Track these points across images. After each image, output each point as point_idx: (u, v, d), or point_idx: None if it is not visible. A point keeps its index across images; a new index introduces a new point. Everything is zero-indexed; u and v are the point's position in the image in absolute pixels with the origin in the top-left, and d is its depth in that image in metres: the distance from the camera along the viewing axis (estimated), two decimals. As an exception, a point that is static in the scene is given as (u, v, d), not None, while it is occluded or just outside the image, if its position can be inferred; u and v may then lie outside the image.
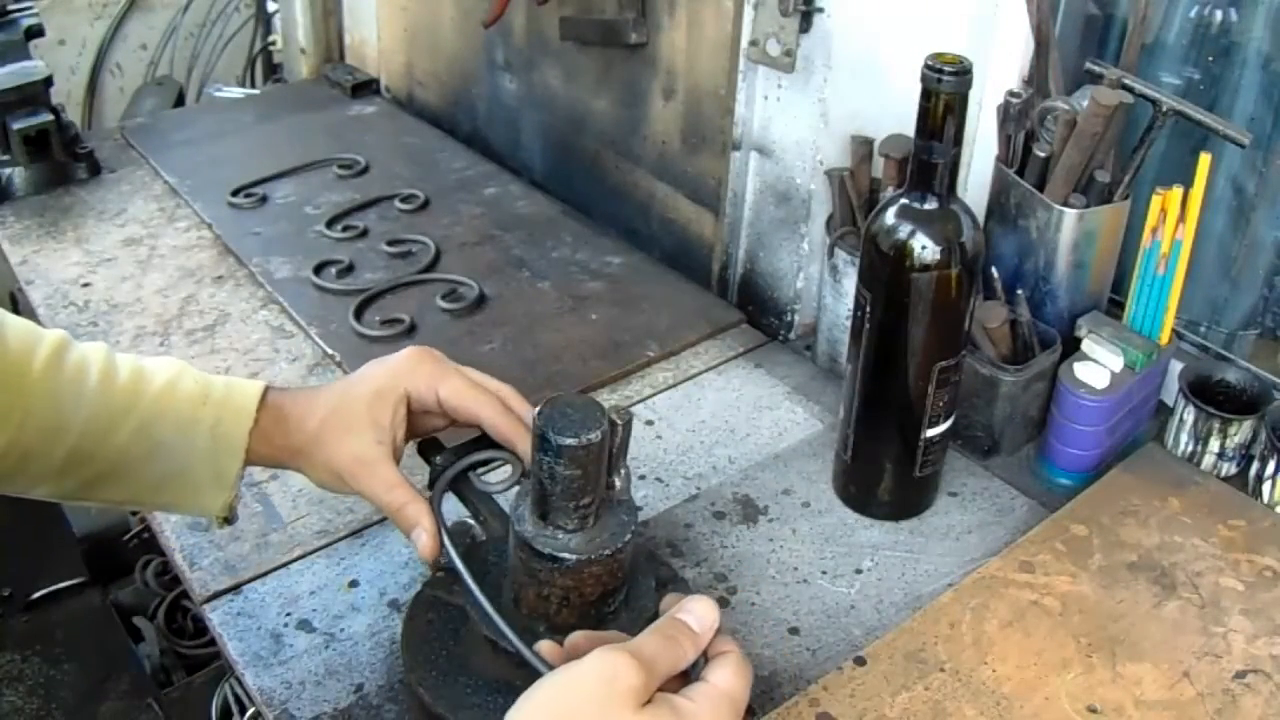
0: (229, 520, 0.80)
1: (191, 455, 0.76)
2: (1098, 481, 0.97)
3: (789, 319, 1.24)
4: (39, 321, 1.13)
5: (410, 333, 1.21)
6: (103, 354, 0.76)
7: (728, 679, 0.59)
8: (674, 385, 1.16)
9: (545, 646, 0.63)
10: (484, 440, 0.80)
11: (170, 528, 0.95)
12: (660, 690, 0.57)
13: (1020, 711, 0.76)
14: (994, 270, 1.02)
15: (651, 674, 0.56)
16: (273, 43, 2.20)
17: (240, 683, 0.85)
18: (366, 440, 0.75)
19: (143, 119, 1.92)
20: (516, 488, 0.75)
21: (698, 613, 0.61)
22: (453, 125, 1.73)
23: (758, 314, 1.27)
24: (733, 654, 0.61)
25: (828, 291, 1.12)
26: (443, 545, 0.73)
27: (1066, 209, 0.99)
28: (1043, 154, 0.99)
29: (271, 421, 0.77)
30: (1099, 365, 0.99)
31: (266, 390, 0.78)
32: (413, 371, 0.78)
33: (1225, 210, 1.09)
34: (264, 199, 1.49)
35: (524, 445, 0.76)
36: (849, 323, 0.97)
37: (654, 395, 1.14)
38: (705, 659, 0.61)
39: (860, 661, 0.80)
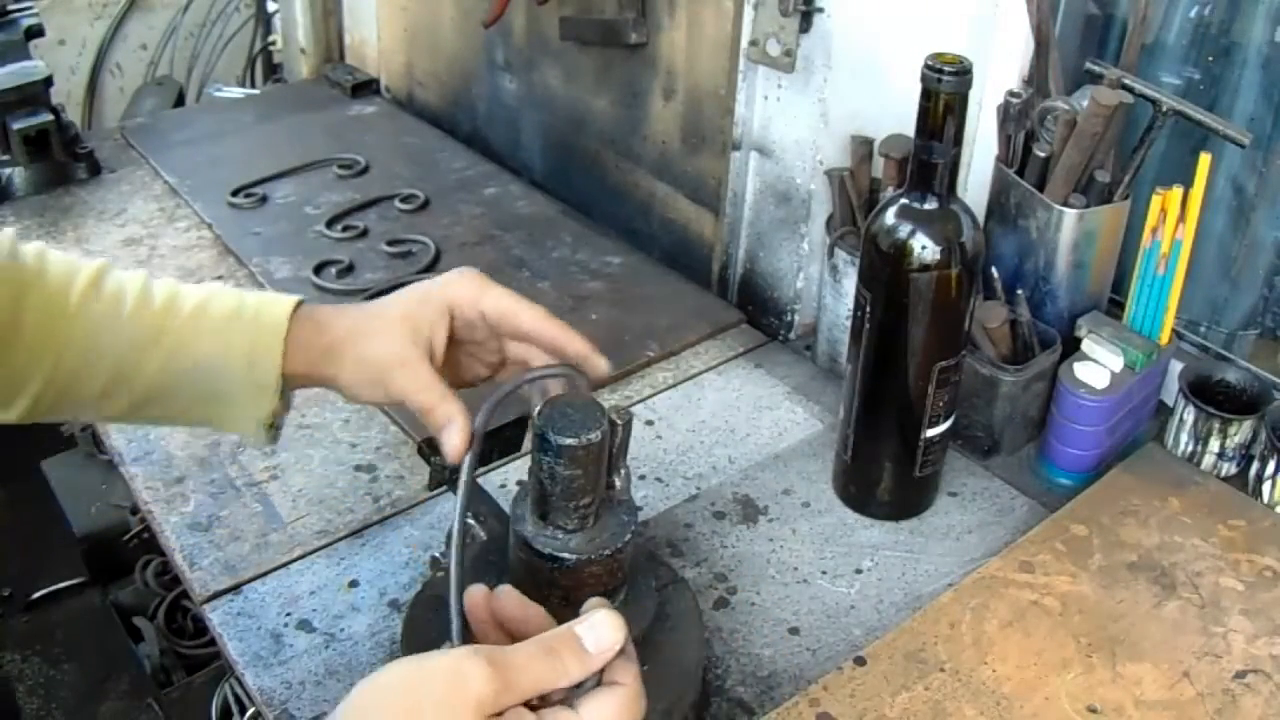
0: (274, 430, 0.78)
1: (227, 371, 0.75)
2: (1098, 481, 0.97)
3: (789, 319, 1.24)
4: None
5: (410, 333, 1.21)
6: (139, 281, 0.76)
7: (603, 715, 0.54)
8: (674, 385, 1.16)
9: (474, 591, 0.61)
10: (485, 440, 0.80)
11: (170, 528, 0.95)
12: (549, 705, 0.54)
13: (1020, 711, 0.76)
14: (994, 270, 1.02)
15: (509, 687, 0.52)
16: (273, 43, 2.20)
17: (240, 683, 0.85)
18: (403, 340, 0.73)
19: (143, 119, 1.92)
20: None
21: (598, 631, 0.56)
22: (453, 125, 1.73)
23: (758, 314, 1.27)
24: (624, 689, 0.56)
25: (828, 291, 1.12)
26: (464, 465, 0.69)
27: (1066, 209, 0.99)
28: (1043, 154, 0.99)
29: (304, 327, 0.76)
30: (1099, 365, 0.99)
31: (301, 302, 0.77)
32: (456, 283, 0.77)
33: (1225, 210, 1.09)
34: (264, 199, 1.49)
35: (575, 347, 0.74)
36: (849, 323, 0.97)
37: (654, 395, 1.14)
38: (600, 682, 0.56)
39: (860, 661, 0.80)
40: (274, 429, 0.78)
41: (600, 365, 0.74)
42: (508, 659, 0.53)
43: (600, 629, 0.56)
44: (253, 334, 0.75)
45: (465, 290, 0.76)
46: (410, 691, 0.52)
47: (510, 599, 0.61)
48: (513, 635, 0.60)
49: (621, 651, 0.57)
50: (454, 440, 0.70)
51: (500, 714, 0.52)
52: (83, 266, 0.75)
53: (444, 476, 0.80)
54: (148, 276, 0.77)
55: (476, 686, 0.51)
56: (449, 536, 0.83)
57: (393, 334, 0.74)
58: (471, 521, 0.80)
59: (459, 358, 0.79)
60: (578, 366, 0.74)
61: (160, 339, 0.74)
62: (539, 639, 0.55)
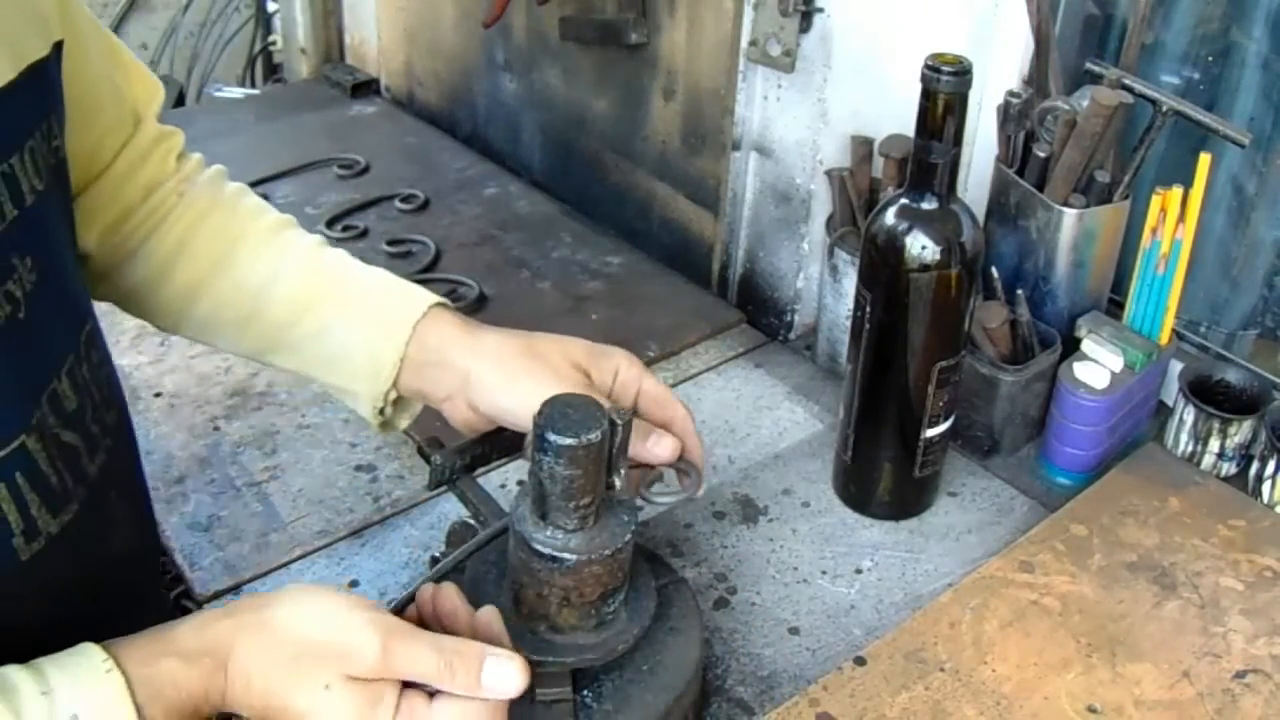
0: (386, 425, 0.81)
1: (350, 338, 0.78)
2: (1098, 481, 0.97)
3: (789, 319, 1.24)
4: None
5: (410, 333, 1.21)
6: (314, 241, 0.84)
7: (452, 716, 0.58)
8: (674, 385, 1.16)
9: (425, 589, 0.65)
10: (484, 440, 0.80)
11: (170, 528, 0.95)
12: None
13: (1020, 711, 0.76)
14: (994, 270, 1.02)
15: (389, 671, 0.57)
16: (273, 43, 2.20)
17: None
18: (569, 387, 0.73)
19: (143, 119, 1.91)
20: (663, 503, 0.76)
21: (503, 674, 0.58)
22: (453, 125, 1.73)
23: (758, 314, 1.27)
24: (482, 706, 0.58)
25: (828, 291, 1.12)
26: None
27: (1066, 209, 0.99)
28: (1043, 154, 1.00)
29: (444, 323, 0.78)
30: (1099, 365, 0.99)
31: (447, 303, 0.80)
32: (624, 356, 0.78)
33: (1225, 210, 1.09)
34: (264, 199, 1.48)
35: (695, 455, 0.77)
36: (849, 323, 0.97)
37: (654, 395, 1.14)
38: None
39: (860, 661, 0.80)
40: (385, 425, 0.81)
41: (702, 482, 0.78)
42: (402, 649, 0.57)
43: (506, 672, 0.58)
44: (386, 305, 0.78)
45: (633, 367, 0.78)
46: (314, 621, 0.57)
47: (446, 595, 0.64)
48: (445, 630, 0.63)
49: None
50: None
51: (369, 680, 0.57)
52: (270, 216, 0.86)
53: (444, 476, 0.80)
54: (322, 241, 0.84)
55: (358, 653, 0.56)
56: (449, 536, 0.83)
57: (533, 353, 0.76)
58: (472, 521, 0.80)
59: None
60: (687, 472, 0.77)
61: (305, 298, 0.79)
62: (445, 644, 0.58)
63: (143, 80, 0.80)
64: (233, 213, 0.83)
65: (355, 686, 0.56)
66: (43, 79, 0.61)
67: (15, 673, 0.52)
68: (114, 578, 0.69)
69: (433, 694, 0.58)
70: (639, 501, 0.74)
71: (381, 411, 0.79)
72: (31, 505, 0.58)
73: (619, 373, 0.77)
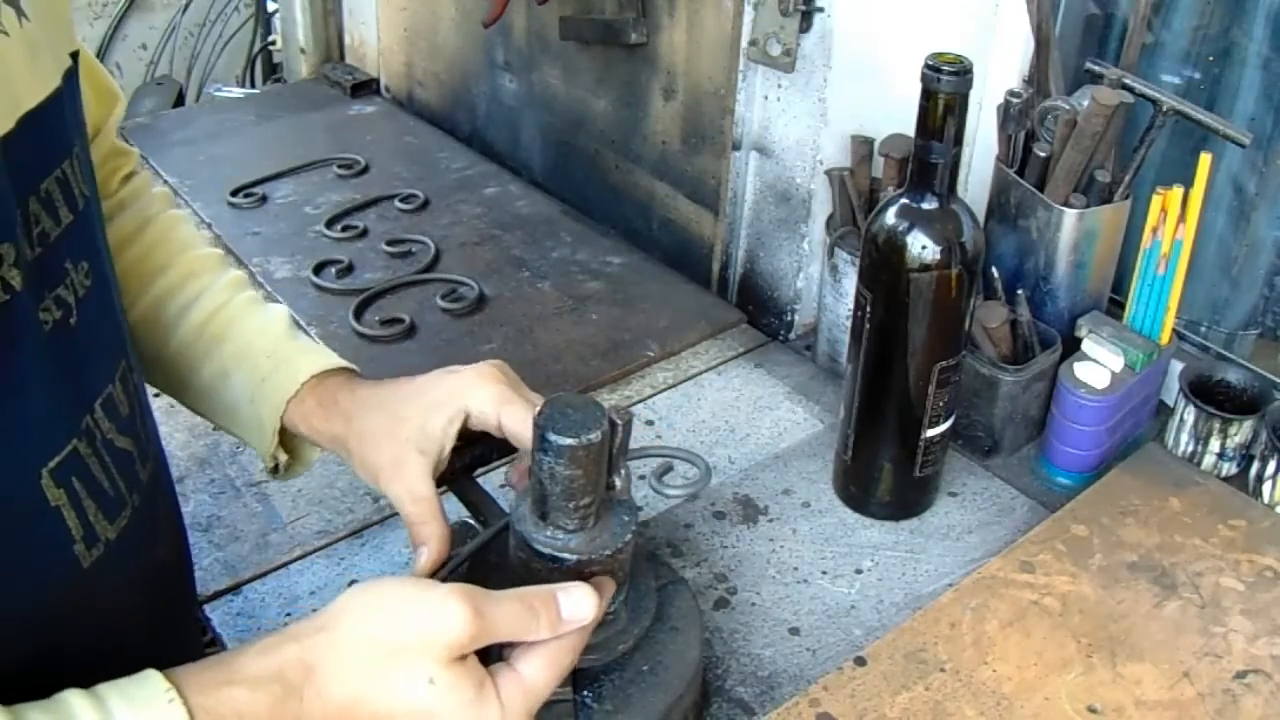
0: (276, 472, 0.80)
1: (242, 397, 0.77)
2: (1098, 481, 0.97)
3: (789, 319, 1.24)
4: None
5: (410, 333, 1.21)
6: (227, 283, 0.81)
7: (535, 671, 0.58)
8: (674, 385, 1.16)
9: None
10: (484, 440, 0.79)
11: (170, 528, 0.95)
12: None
13: (1020, 711, 0.76)
14: (994, 270, 1.02)
15: (484, 636, 0.56)
16: (272, 42, 2.20)
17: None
18: (408, 447, 0.73)
19: (142, 119, 1.91)
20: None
21: (576, 601, 0.59)
22: (453, 125, 1.73)
23: (758, 314, 1.27)
24: (555, 642, 0.59)
25: (828, 291, 1.12)
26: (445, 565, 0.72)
27: (1067, 209, 0.99)
28: (1043, 154, 0.99)
29: (318, 403, 0.77)
30: (1099, 365, 0.99)
31: (326, 373, 0.78)
32: (479, 389, 0.75)
33: (1225, 210, 1.09)
34: (264, 199, 1.48)
35: None
36: (849, 323, 0.97)
37: (654, 395, 1.14)
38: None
39: (860, 661, 0.80)
40: (275, 473, 0.80)
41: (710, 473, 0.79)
42: (490, 608, 0.56)
43: (579, 600, 0.60)
44: (271, 373, 0.77)
45: (488, 401, 0.74)
46: (392, 613, 0.55)
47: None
48: None
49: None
50: (420, 563, 0.71)
51: (464, 657, 0.55)
52: (197, 250, 0.81)
53: (444, 477, 0.80)
54: (239, 281, 0.81)
55: (453, 629, 0.54)
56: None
57: (402, 438, 0.73)
58: (472, 521, 0.79)
59: (471, 437, 0.78)
60: None
61: (220, 344, 0.78)
62: (523, 595, 0.58)
63: (104, 89, 0.78)
64: (158, 242, 0.80)
65: (458, 672, 0.55)
66: (75, 84, 0.61)
67: (76, 699, 0.50)
68: (161, 585, 0.69)
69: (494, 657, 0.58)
70: (660, 493, 0.74)
71: (275, 470, 0.80)
72: (89, 511, 0.57)
73: (469, 419, 0.75)
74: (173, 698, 0.50)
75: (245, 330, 0.79)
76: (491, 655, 0.59)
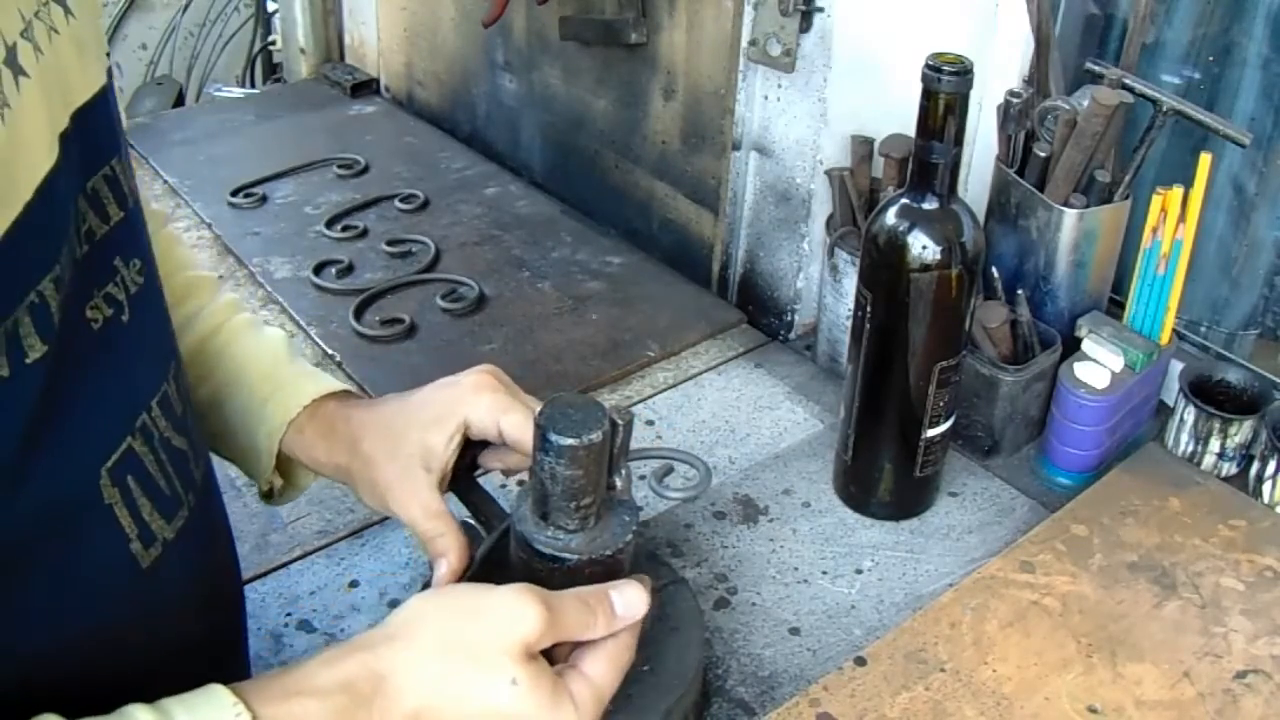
0: (269, 497, 0.80)
1: (238, 422, 0.77)
2: (1098, 481, 0.97)
3: (789, 319, 1.24)
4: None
5: (410, 333, 1.21)
6: (225, 304, 0.80)
7: (599, 670, 0.59)
8: (674, 385, 1.16)
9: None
10: (485, 441, 0.79)
11: (170, 528, 0.95)
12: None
13: (1020, 712, 0.76)
14: (994, 270, 1.02)
15: (554, 633, 0.56)
16: (272, 42, 2.20)
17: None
18: (413, 465, 0.73)
19: (142, 119, 1.91)
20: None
21: (628, 598, 0.61)
22: (453, 125, 1.73)
23: (758, 314, 1.27)
24: (610, 640, 0.60)
25: (828, 291, 1.12)
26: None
27: (1067, 209, 0.99)
28: (1043, 154, 1.00)
29: (318, 433, 0.76)
30: (1099, 365, 0.99)
31: (326, 399, 0.77)
32: (475, 400, 0.74)
33: (1225, 210, 1.09)
34: (264, 199, 1.48)
35: None
36: (849, 323, 0.97)
37: (654, 395, 1.14)
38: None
39: (860, 661, 0.80)
40: (268, 498, 0.80)
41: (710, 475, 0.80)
42: (557, 605, 0.57)
43: (631, 597, 0.61)
44: (271, 398, 0.76)
45: (485, 410, 0.74)
46: (466, 615, 0.56)
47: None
48: None
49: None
50: (441, 574, 0.71)
51: (535, 656, 0.56)
52: (191, 271, 0.80)
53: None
54: (235, 303, 0.81)
55: (530, 625, 0.55)
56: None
57: (406, 458, 0.73)
58: (472, 521, 0.79)
59: (472, 446, 0.78)
60: None
61: (220, 360, 0.77)
62: (581, 594, 0.59)
63: None
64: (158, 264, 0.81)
65: (536, 672, 0.55)
66: (113, 81, 0.61)
67: (141, 713, 0.49)
68: (217, 587, 0.68)
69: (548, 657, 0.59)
70: (661, 495, 0.75)
71: (269, 494, 0.80)
72: (143, 510, 0.56)
73: (469, 430, 0.75)
74: (240, 711, 0.50)
75: (242, 352, 0.78)
76: (549, 659, 0.59)
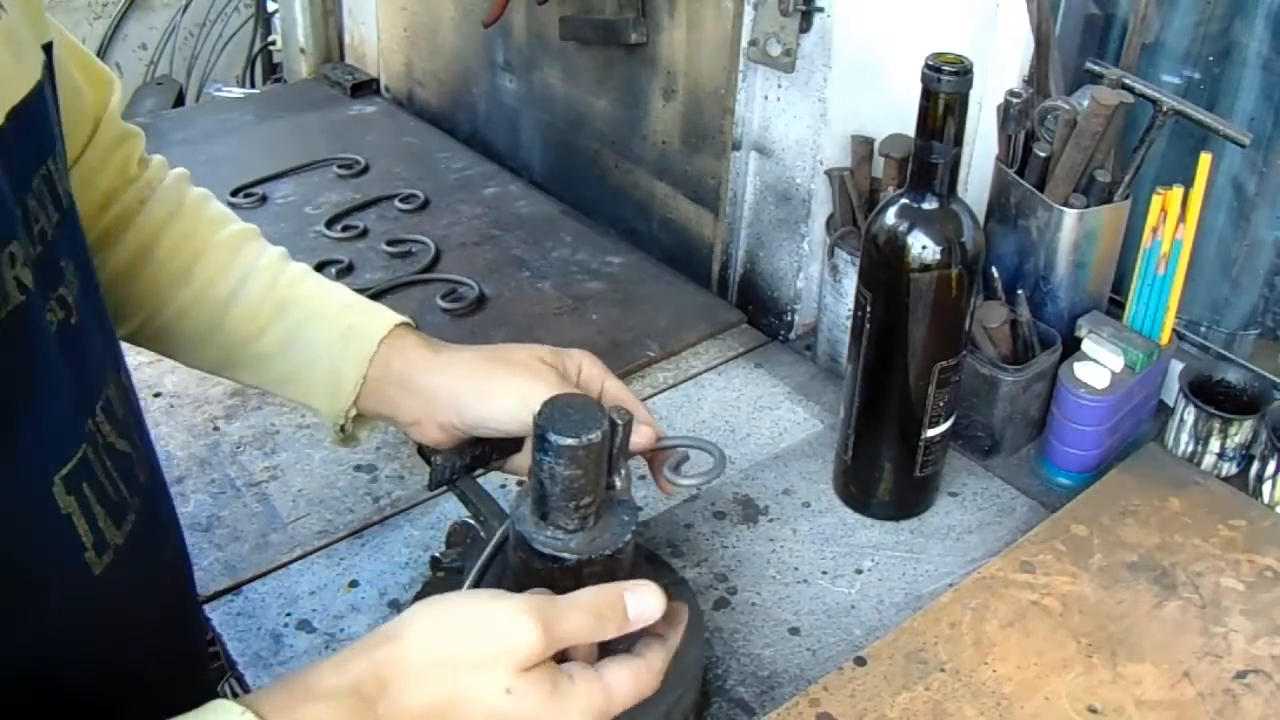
0: (347, 439, 0.81)
1: (319, 353, 0.78)
2: (1098, 481, 0.97)
3: (789, 319, 1.24)
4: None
5: (410, 333, 1.21)
6: (275, 254, 0.81)
7: (619, 680, 0.58)
8: (674, 385, 1.16)
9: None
10: (485, 440, 0.80)
11: (170, 528, 0.95)
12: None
13: (1020, 712, 0.76)
14: (994, 270, 1.02)
15: (552, 646, 0.56)
16: (272, 42, 2.20)
17: (240, 683, 0.85)
18: (533, 362, 0.74)
19: (142, 119, 1.91)
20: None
21: (642, 600, 0.60)
22: (453, 125, 1.73)
23: (758, 314, 1.27)
24: (644, 662, 0.60)
25: (828, 291, 1.12)
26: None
27: (1067, 209, 0.99)
28: (1043, 154, 0.99)
29: (417, 343, 0.77)
30: (1099, 365, 0.99)
31: (411, 324, 0.79)
32: (586, 357, 0.78)
33: (1226, 210, 1.09)
34: (264, 199, 1.48)
35: (659, 458, 0.78)
36: (849, 323, 0.97)
37: (654, 395, 1.14)
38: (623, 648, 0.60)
39: (860, 661, 0.80)
40: (344, 438, 0.80)
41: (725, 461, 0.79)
42: (557, 620, 0.56)
43: (645, 599, 0.60)
44: (356, 322, 0.78)
45: (595, 366, 0.78)
46: (461, 630, 0.56)
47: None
48: None
49: (657, 634, 0.61)
50: (646, 437, 0.74)
51: (538, 667, 0.56)
52: (234, 226, 0.81)
53: (444, 477, 0.80)
54: (285, 254, 0.82)
55: (521, 643, 0.55)
56: (449, 536, 0.83)
57: (529, 376, 0.74)
58: (473, 522, 0.79)
59: None
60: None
61: (264, 310, 0.78)
62: (588, 599, 0.59)
63: (97, 74, 0.76)
64: (195, 223, 0.81)
65: (533, 678, 0.55)
66: (52, 73, 0.59)
67: None
68: (167, 588, 0.68)
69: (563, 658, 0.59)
70: (676, 483, 0.77)
71: (342, 429, 0.80)
72: (98, 518, 0.56)
73: (582, 369, 0.78)
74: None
75: (309, 293, 0.80)
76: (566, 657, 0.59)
